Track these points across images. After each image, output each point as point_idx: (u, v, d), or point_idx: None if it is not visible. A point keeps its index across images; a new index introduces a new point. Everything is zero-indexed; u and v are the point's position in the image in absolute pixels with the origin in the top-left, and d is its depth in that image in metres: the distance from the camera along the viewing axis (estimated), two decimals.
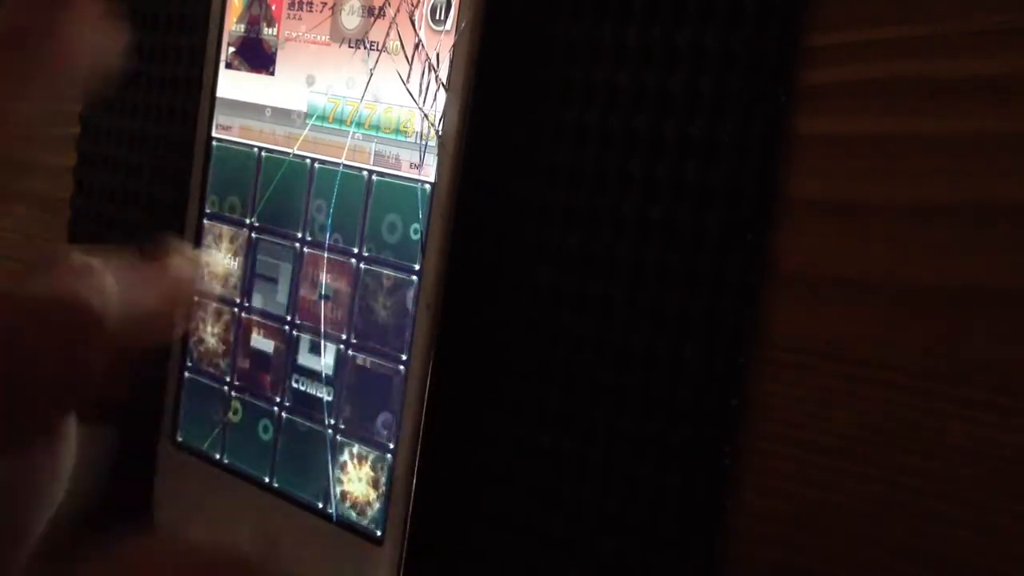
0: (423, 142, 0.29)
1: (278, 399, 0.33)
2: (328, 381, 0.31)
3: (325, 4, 0.32)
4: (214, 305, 0.34)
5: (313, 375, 0.32)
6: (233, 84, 0.34)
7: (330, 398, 0.31)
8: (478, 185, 0.29)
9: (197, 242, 0.35)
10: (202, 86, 0.35)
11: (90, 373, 0.17)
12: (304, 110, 0.32)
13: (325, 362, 0.31)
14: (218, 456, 0.34)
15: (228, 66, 0.34)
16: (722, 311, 0.26)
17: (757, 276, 0.26)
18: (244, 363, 0.34)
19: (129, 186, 0.40)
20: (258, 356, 0.33)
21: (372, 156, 0.30)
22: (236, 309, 0.34)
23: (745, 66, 0.26)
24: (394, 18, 0.30)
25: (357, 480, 0.30)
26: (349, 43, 0.31)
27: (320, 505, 0.31)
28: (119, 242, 0.41)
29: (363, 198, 0.30)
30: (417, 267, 0.29)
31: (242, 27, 0.34)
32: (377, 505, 0.30)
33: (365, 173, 0.30)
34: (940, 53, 0.24)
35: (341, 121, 0.31)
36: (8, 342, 0.16)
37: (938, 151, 0.24)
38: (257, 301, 0.33)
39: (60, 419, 0.18)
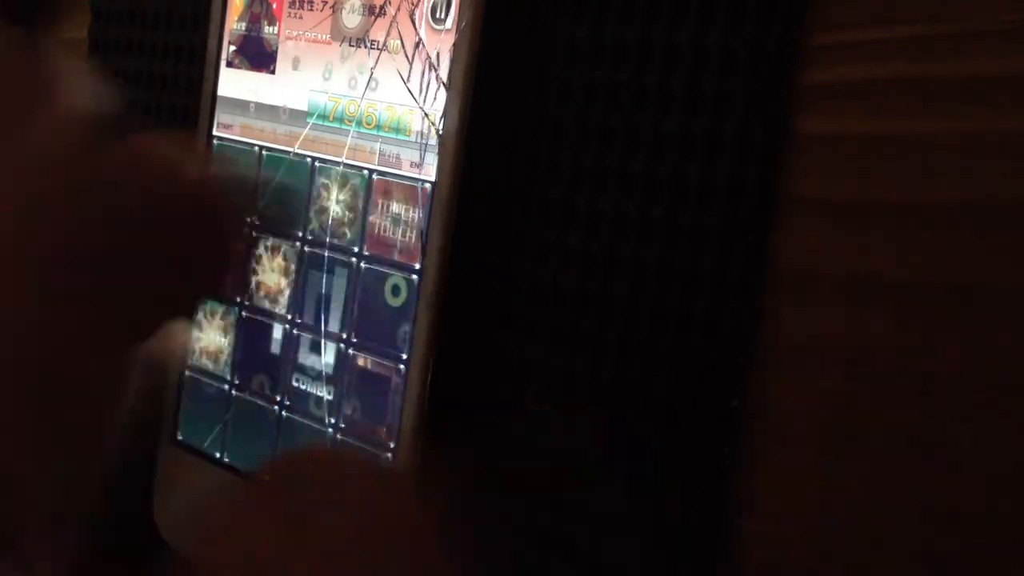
0: (423, 141, 0.29)
1: (278, 398, 0.33)
2: (328, 380, 0.31)
3: (326, 3, 0.31)
4: (210, 305, 0.34)
5: (314, 374, 0.32)
6: (234, 83, 0.34)
7: (330, 397, 0.31)
8: (478, 184, 0.29)
9: None
10: (203, 85, 0.35)
11: (233, 256, 0.17)
12: (305, 109, 0.32)
13: (325, 361, 0.31)
14: (218, 455, 0.34)
15: (229, 65, 0.34)
16: (723, 311, 0.26)
17: (758, 276, 0.26)
18: (244, 362, 0.34)
19: None
20: (259, 355, 0.33)
21: (372, 155, 0.30)
22: (236, 308, 0.34)
23: (746, 65, 0.26)
24: (394, 17, 0.30)
25: None
26: (350, 42, 0.31)
27: None
28: None
29: (363, 197, 0.30)
30: (417, 266, 0.29)
31: (243, 26, 0.34)
32: None
33: (366, 172, 0.30)
34: (940, 53, 0.24)
35: (341, 120, 0.31)
36: (168, 215, 0.16)
37: (938, 151, 0.24)
38: (258, 300, 0.33)
39: (201, 301, 0.18)
